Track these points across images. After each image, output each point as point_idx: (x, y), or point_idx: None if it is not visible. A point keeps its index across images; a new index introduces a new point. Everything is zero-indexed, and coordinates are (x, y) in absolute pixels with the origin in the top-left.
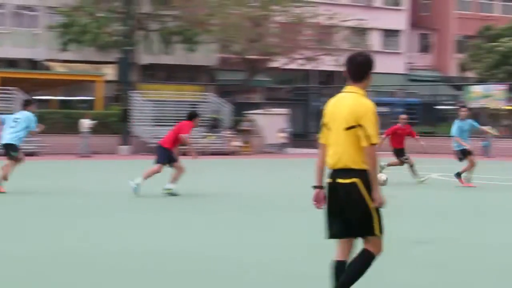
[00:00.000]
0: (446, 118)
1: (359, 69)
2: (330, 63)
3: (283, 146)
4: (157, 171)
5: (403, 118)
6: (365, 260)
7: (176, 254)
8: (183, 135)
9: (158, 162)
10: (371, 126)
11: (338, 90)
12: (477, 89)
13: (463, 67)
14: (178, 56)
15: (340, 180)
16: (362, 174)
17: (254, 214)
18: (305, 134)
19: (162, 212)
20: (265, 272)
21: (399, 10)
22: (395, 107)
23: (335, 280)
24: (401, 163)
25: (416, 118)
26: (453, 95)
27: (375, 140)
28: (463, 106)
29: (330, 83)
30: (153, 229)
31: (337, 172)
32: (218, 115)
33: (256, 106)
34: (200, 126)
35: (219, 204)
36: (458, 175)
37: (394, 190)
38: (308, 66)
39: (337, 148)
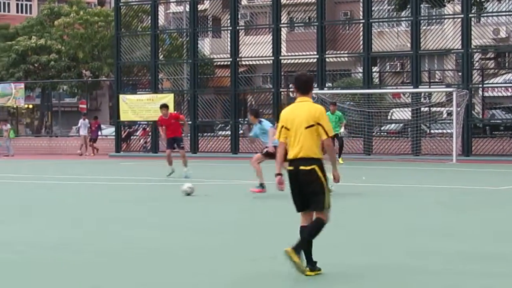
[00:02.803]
0: None
1: (306, 85)
2: None
3: None
4: None
5: None
6: (319, 224)
7: None
8: None
9: None
10: (326, 123)
11: None
12: None
13: None
14: None
15: (302, 167)
16: (319, 161)
17: None
18: None
19: None
20: None
21: None
22: None
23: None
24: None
25: None
26: None
27: (331, 133)
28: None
29: None
30: None
31: (299, 161)
32: None
33: None
34: None
35: None
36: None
37: None
38: None
39: (299, 142)
